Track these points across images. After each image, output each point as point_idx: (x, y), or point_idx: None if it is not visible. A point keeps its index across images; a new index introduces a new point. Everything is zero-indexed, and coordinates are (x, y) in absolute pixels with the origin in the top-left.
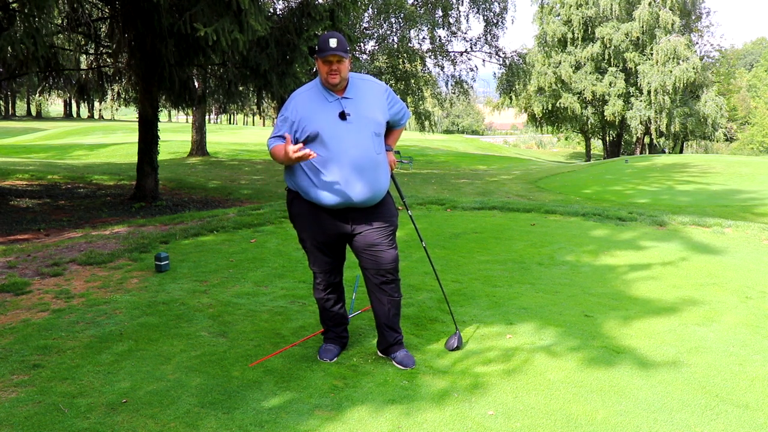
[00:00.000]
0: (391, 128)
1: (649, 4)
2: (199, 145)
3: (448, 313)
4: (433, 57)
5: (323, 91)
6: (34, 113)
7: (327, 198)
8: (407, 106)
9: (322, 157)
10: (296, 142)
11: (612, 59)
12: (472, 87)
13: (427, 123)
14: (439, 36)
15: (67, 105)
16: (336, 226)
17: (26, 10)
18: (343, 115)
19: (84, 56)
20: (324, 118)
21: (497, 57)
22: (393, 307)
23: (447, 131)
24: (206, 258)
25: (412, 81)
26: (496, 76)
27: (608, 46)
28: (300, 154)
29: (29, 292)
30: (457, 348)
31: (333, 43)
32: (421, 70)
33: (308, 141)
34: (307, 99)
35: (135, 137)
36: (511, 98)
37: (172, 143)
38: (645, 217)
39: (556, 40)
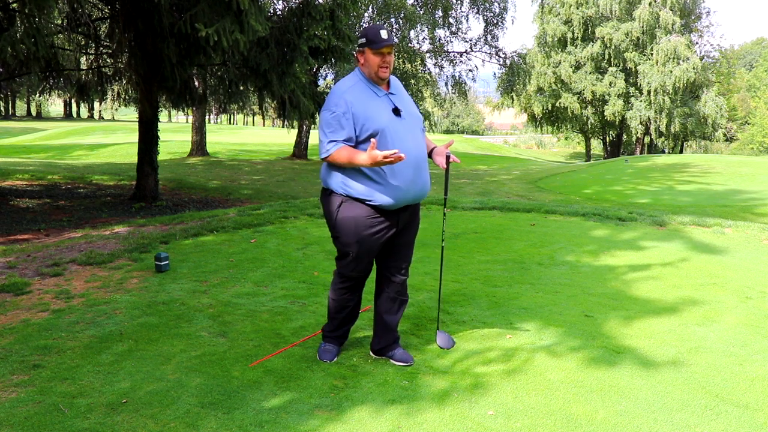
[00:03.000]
0: None
1: (650, 4)
2: (199, 145)
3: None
4: (433, 57)
5: (371, 85)
6: (34, 113)
7: (392, 198)
8: None
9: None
10: (355, 140)
11: (612, 59)
12: (470, 88)
13: (427, 123)
14: (439, 36)
15: (67, 105)
16: (389, 227)
17: (26, 10)
18: (397, 111)
19: (84, 56)
20: (384, 116)
21: (497, 57)
22: (401, 307)
23: (447, 131)
24: (206, 258)
25: (412, 81)
26: (496, 76)
27: (608, 45)
28: (393, 158)
29: (29, 292)
30: (452, 344)
31: (385, 34)
32: (421, 70)
33: (366, 140)
34: (359, 94)
35: (135, 137)
36: (512, 98)
37: (172, 143)
38: (645, 217)
39: (556, 39)
